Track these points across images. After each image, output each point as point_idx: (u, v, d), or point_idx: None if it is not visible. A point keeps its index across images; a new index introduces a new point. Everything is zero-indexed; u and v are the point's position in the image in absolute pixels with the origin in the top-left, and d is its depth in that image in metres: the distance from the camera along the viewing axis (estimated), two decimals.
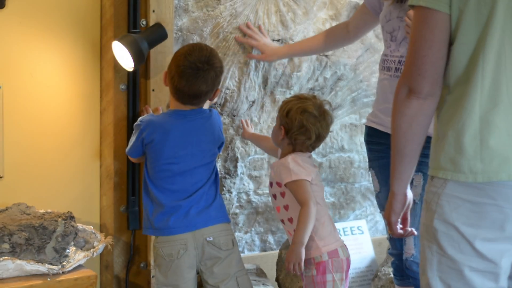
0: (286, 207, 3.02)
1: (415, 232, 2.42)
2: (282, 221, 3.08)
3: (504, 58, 2.01)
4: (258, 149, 3.64)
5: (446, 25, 2.05)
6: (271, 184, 3.10)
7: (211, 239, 2.98)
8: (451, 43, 2.07)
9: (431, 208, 2.09)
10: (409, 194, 2.27)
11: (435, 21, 2.04)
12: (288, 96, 3.77)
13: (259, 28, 3.59)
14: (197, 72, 2.94)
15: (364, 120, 3.76)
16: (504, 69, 2.01)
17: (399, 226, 2.33)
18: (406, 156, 2.15)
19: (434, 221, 2.08)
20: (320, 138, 3.05)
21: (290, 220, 3.01)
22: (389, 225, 2.31)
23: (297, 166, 2.97)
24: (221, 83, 3.10)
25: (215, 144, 3.11)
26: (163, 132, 2.98)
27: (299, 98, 3.08)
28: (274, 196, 3.08)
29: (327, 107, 3.07)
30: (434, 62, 2.06)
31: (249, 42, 3.56)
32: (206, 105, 3.17)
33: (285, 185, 2.98)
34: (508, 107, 2.01)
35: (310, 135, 3.00)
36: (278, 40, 3.70)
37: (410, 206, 2.30)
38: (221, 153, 3.44)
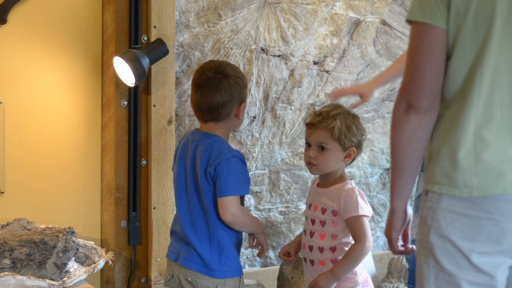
0: (322, 236, 2.83)
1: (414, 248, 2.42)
2: (310, 247, 2.88)
3: (499, 75, 2.01)
4: (259, 164, 3.64)
5: (444, 40, 2.04)
6: (315, 207, 2.87)
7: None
8: (448, 58, 2.06)
9: (427, 223, 2.08)
10: (409, 210, 2.25)
11: (433, 36, 2.03)
12: (289, 111, 3.78)
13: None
14: (207, 82, 2.75)
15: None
16: (498, 86, 2.01)
17: (400, 243, 2.33)
18: (405, 172, 2.14)
19: (430, 236, 2.07)
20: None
21: (321, 249, 2.83)
22: (390, 242, 2.27)
23: (363, 200, 2.81)
24: (245, 98, 2.85)
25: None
26: None
27: (334, 108, 2.87)
28: (313, 221, 2.87)
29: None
30: (432, 77, 2.05)
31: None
32: (235, 146, 2.95)
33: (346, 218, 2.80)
34: (501, 123, 2.01)
35: (360, 152, 2.88)
36: (279, 56, 3.71)
37: (410, 222, 2.30)
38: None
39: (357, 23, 3.95)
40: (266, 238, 2.95)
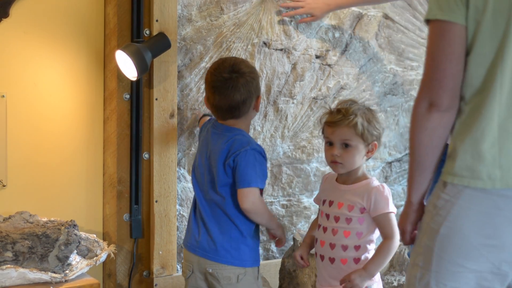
0: (347, 233, 2.82)
1: None
2: (332, 245, 2.85)
3: None
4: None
5: (464, 37, 2.06)
6: (339, 204, 2.85)
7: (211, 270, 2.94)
8: (467, 54, 2.08)
9: (441, 214, 2.12)
10: (425, 203, 2.29)
11: (453, 33, 2.06)
12: (291, 105, 3.78)
13: None
14: (225, 83, 2.83)
15: None
16: None
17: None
18: (426, 169, 2.18)
19: (443, 226, 2.11)
20: None
21: (345, 247, 2.81)
22: (404, 234, 2.32)
23: (390, 196, 2.80)
24: (260, 90, 2.94)
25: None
26: None
27: (352, 103, 2.88)
28: (336, 218, 2.85)
29: None
30: (454, 75, 2.07)
31: (298, 13, 3.57)
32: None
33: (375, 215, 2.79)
34: None
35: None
36: (281, 50, 3.71)
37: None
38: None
39: (359, 17, 3.94)
40: (284, 232, 3.03)
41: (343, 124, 2.82)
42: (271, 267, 3.79)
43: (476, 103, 2.08)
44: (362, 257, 2.81)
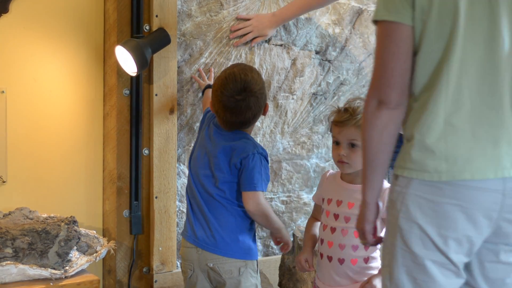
0: (356, 234, 2.66)
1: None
2: (341, 245, 2.82)
3: (465, 65, 2.11)
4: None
5: (410, 37, 2.13)
6: (349, 204, 2.84)
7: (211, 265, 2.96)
8: (415, 53, 2.15)
9: (396, 207, 2.17)
10: (380, 203, 2.33)
11: (400, 34, 2.13)
12: (291, 101, 3.78)
13: (237, 17, 3.58)
14: (237, 104, 2.87)
15: None
16: (466, 75, 2.11)
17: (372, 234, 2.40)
18: (377, 166, 2.23)
19: (399, 219, 2.16)
20: None
21: (355, 247, 2.79)
22: (363, 234, 2.36)
23: None
24: (267, 97, 2.99)
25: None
26: None
27: (358, 102, 2.86)
28: (347, 219, 2.82)
29: None
30: (401, 74, 2.14)
31: (248, 38, 3.57)
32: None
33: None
34: (470, 110, 2.11)
35: None
36: (281, 45, 3.70)
37: (380, 214, 2.35)
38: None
39: (359, 13, 3.94)
40: (288, 235, 3.03)
41: (350, 124, 2.81)
42: (271, 264, 3.79)
43: (425, 99, 2.14)
44: (372, 255, 2.80)
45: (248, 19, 3.57)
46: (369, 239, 2.36)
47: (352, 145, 2.81)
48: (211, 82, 3.39)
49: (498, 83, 2.12)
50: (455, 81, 2.11)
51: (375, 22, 2.18)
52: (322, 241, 2.88)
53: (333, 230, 2.84)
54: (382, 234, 2.39)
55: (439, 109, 2.11)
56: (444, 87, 2.11)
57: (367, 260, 2.80)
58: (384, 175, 2.27)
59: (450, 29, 2.10)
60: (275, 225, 2.98)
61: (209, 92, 3.25)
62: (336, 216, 2.84)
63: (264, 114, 3.00)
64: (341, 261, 2.81)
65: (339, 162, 2.85)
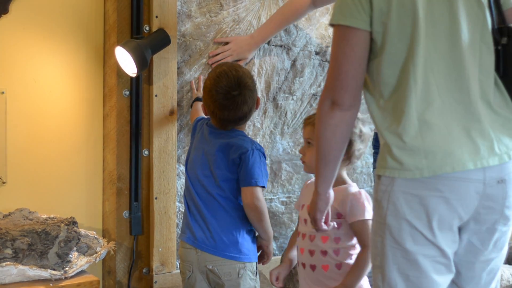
0: (324, 238, 2.78)
1: (336, 225, 2.64)
2: (311, 251, 2.82)
3: (430, 62, 2.18)
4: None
5: (365, 41, 2.20)
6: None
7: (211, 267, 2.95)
8: (378, 55, 2.21)
9: (382, 206, 2.22)
10: (331, 193, 2.45)
11: (356, 38, 2.19)
12: (290, 102, 3.78)
13: (214, 41, 3.53)
14: (234, 99, 2.89)
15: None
16: (431, 71, 2.18)
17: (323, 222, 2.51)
18: (330, 162, 2.32)
19: (387, 217, 2.21)
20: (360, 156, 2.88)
21: (324, 253, 2.78)
22: (315, 221, 2.48)
23: (369, 203, 2.76)
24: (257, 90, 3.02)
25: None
26: None
27: None
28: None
29: None
30: (355, 77, 2.21)
31: (228, 61, 3.48)
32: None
33: (352, 222, 2.74)
34: (441, 105, 2.18)
35: (367, 141, 2.84)
36: (280, 46, 3.70)
37: (330, 203, 2.47)
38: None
39: None
40: (272, 249, 3.07)
41: (307, 122, 2.86)
42: (270, 264, 3.78)
43: (395, 100, 2.20)
44: (345, 262, 2.77)
45: (227, 43, 3.53)
46: (319, 226, 2.48)
47: (308, 143, 2.85)
48: (200, 94, 3.39)
49: (464, 77, 2.19)
50: (422, 79, 2.17)
51: (332, 25, 2.24)
52: (297, 248, 2.90)
53: (303, 236, 2.85)
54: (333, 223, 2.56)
55: (411, 108, 2.16)
56: (413, 86, 2.16)
57: (339, 266, 2.78)
58: (336, 170, 2.35)
59: (411, 29, 2.16)
60: (267, 229, 2.98)
61: (198, 104, 3.29)
62: (305, 221, 2.84)
63: (257, 107, 3.01)
64: (313, 267, 2.81)
65: (301, 161, 2.92)
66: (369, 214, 2.74)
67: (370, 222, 2.71)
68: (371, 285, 2.58)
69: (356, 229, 2.75)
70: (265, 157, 2.95)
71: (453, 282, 2.30)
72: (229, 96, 2.88)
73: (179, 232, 3.47)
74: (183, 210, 3.49)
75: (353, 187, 2.81)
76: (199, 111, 3.25)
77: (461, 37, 2.19)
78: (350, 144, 2.77)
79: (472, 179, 2.16)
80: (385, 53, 2.19)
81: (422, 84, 2.17)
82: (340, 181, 2.81)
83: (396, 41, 2.18)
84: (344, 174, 2.86)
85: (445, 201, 2.16)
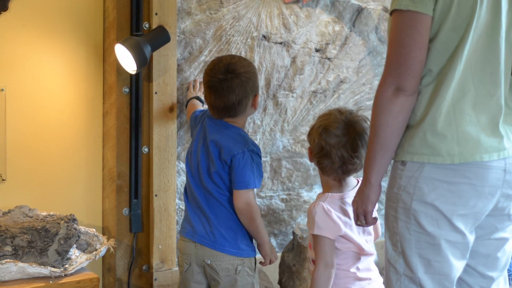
0: (310, 246, 2.83)
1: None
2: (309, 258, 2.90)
3: (472, 54, 2.25)
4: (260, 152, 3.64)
5: (430, 27, 2.25)
6: None
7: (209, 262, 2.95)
8: (431, 40, 2.26)
9: (409, 191, 2.28)
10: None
11: (424, 24, 2.23)
12: (291, 99, 3.78)
13: None
14: (220, 83, 2.84)
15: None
16: (470, 63, 2.25)
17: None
18: (389, 149, 2.31)
19: (413, 202, 2.27)
20: (346, 162, 2.72)
21: (314, 261, 2.80)
22: (366, 215, 2.42)
23: (325, 218, 2.69)
24: (258, 88, 2.93)
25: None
26: None
27: (329, 114, 2.80)
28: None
29: (360, 124, 2.77)
30: (421, 62, 2.24)
31: None
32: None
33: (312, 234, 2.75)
34: (475, 96, 2.25)
35: (333, 159, 2.71)
36: (280, 43, 3.70)
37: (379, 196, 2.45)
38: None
39: (359, 10, 3.93)
40: (270, 251, 2.99)
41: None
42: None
43: (434, 87, 2.26)
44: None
45: None
46: (369, 220, 2.43)
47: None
48: (197, 93, 3.41)
49: (498, 71, 2.28)
50: (462, 71, 2.24)
51: (396, 11, 2.25)
52: None
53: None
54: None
55: (448, 96, 2.23)
56: (456, 75, 2.23)
57: None
58: (391, 159, 2.34)
59: (467, 21, 2.23)
60: (258, 231, 2.93)
61: (193, 101, 3.30)
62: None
63: (254, 106, 2.94)
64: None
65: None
66: (318, 229, 2.70)
67: (319, 238, 2.71)
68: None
69: (312, 242, 2.78)
70: (260, 157, 2.90)
71: (467, 265, 2.38)
72: (215, 79, 2.85)
73: (179, 229, 3.47)
74: (183, 208, 3.50)
75: (320, 199, 2.78)
76: (196, 105, 3.26)
77: (500, 33, 2.27)
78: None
79: (496, 167, 2.25)
80: (436, 41, 2.26)
81: (461, 74, 2.24)
82: (323, 191, 2.87)
83: (451, 31, 2.24)
84: (330, 184, 2.84)
85: (473, 188, 2.24)
